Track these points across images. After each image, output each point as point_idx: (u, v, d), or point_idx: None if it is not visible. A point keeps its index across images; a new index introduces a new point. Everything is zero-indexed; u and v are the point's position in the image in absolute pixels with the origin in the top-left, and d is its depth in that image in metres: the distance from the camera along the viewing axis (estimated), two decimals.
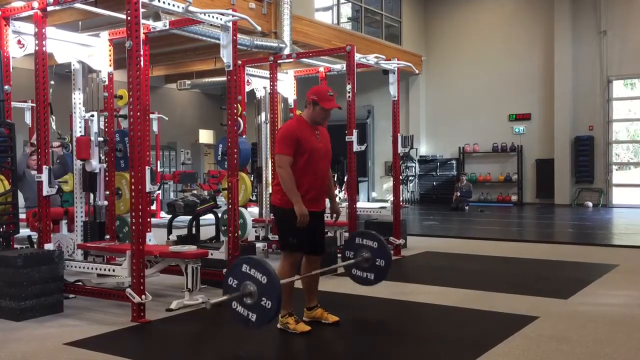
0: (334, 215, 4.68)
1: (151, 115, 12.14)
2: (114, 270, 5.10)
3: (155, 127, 13.60)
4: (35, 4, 5.11)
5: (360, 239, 4.99)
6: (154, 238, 6.39)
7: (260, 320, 3.73)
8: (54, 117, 5.59)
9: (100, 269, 5.30)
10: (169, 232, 7.09)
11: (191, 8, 5.08)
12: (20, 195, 5.91)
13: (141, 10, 4.62)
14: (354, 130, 7.30)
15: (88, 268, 5.35)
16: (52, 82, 5.42)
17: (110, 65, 6.11)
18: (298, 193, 4.16)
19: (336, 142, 8.90)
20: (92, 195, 6.00)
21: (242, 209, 7.42)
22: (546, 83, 17.62)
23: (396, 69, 8.21)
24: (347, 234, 7.44)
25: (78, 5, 6.44)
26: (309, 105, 4.33)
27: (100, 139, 5.91)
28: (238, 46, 5.74)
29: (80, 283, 5.46)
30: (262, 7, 12.80)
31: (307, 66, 9.36)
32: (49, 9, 5.12)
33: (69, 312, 4.93)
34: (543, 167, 17.67)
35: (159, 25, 6.02)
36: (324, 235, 4.70)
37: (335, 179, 13.74)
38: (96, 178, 5.93)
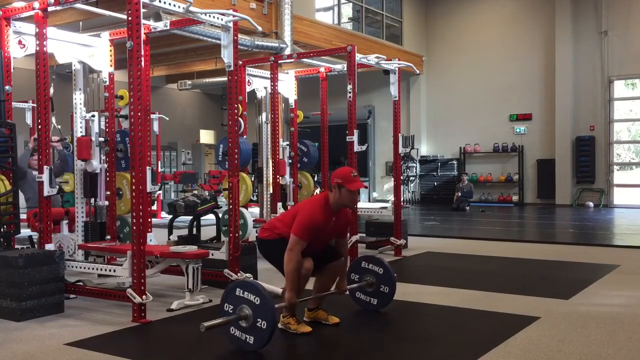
0: (337, 290, 4.59)
1: (152, 116, 12.16)
2: (114, 271, 5.10)
3: (156, 127, 13.61)
4: (36, 4, 5.11)
5: (366, 263, 4.96)
6: (155, 238, 6.39)
7: (258, 342, 3.77)
8: (54, 113, 5.58)
9: (101, 269, 5.30)
10: (170, 233, 7.08)
11: (192, 8, 5.08)
12: (21, 196, 5.90)
13: (142, 10, 4.62)
14: (355, 131, 7.31)
15: (89, 268, 5.35)
16: (54, 77, 5.42)
17: (111, 66, 6.11)
18: (297, 283, 4.15)
19: (337, 143, 9.00)
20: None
21: (243, 209, 7.42)
22: (547, 83, 17.61)
23: (397, 69, 8.21)
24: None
25: (79, 5, 6.45)
26: (334, 189, 4.25)
27: (101, 139, 5.92)
28: (239, 46, 5.74)
29: (81, 283, 5.46)
30: (263, 8, 12.80)
31: (307, 66, 9.37)
32: (50, 9, 5.11)
33: (70, 312, 4.93)
34: (544, 167, 17.67)
35: (160, 26, 6.02)
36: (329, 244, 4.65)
37: None
38: (97, 181, 5.93)
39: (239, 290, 3.84)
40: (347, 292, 4.82)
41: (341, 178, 4.25)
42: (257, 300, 3.76)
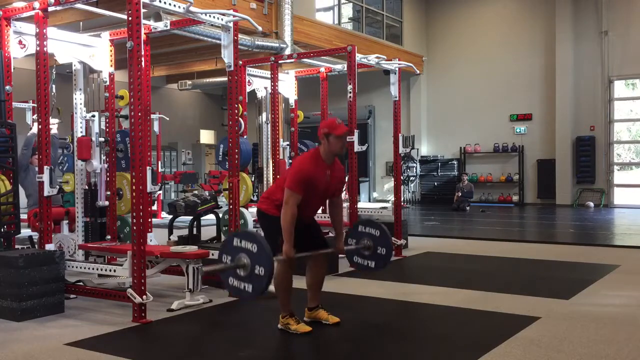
0: (335, 250, 4.56)
1: (152, 116, 12.15)
2: (115, 271, 5.11)
3: (156, 128, 13.60)
4: (37, 5, 5.11)
5: (363, 227, 4.95)
6: (155, 238, 6.40)
7: (257, 289, 3.78)
8: (54, 94, 5.59)
9: (101, 270, 5.30)
10: (170, 233, 7.09)
11: (192, 8, 5.08)
12: (22, 192, 5.89)
13: (142, 10, 4.62)
14: (355, 131, 7.31)
15: (89, 268, 5.35)
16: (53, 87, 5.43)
17: (111, 66, 6.11)
18: (293, 234, 4.14)
19: None
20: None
21: (243, 209, 7.42)
22: (547, 83, 17.61)
23: (397, 69, 8.20)
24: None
25: (79, 5, 6.44)
26: (323, 140, 4.30)
27: (102, 139, 5.92)
28: (239, 46, 5.74)
29: (81, 283, 5.46)
30: (263, 8, 12.80)
31: (308, 66, 9.36)
32: (50, 9, 5.12)
33: (70, 312, 4.93)
34: (544, 167, 17.67)
35: (160, 26, 6.02)
36: (320, 231, 4.66)
37: None
38: (97, 198, 5.95)
39: (236, 240, 3.86)
40: (345, 255, 4.86)
41: (327, 127, 4.29)
42: (254, 248, 3.77)
